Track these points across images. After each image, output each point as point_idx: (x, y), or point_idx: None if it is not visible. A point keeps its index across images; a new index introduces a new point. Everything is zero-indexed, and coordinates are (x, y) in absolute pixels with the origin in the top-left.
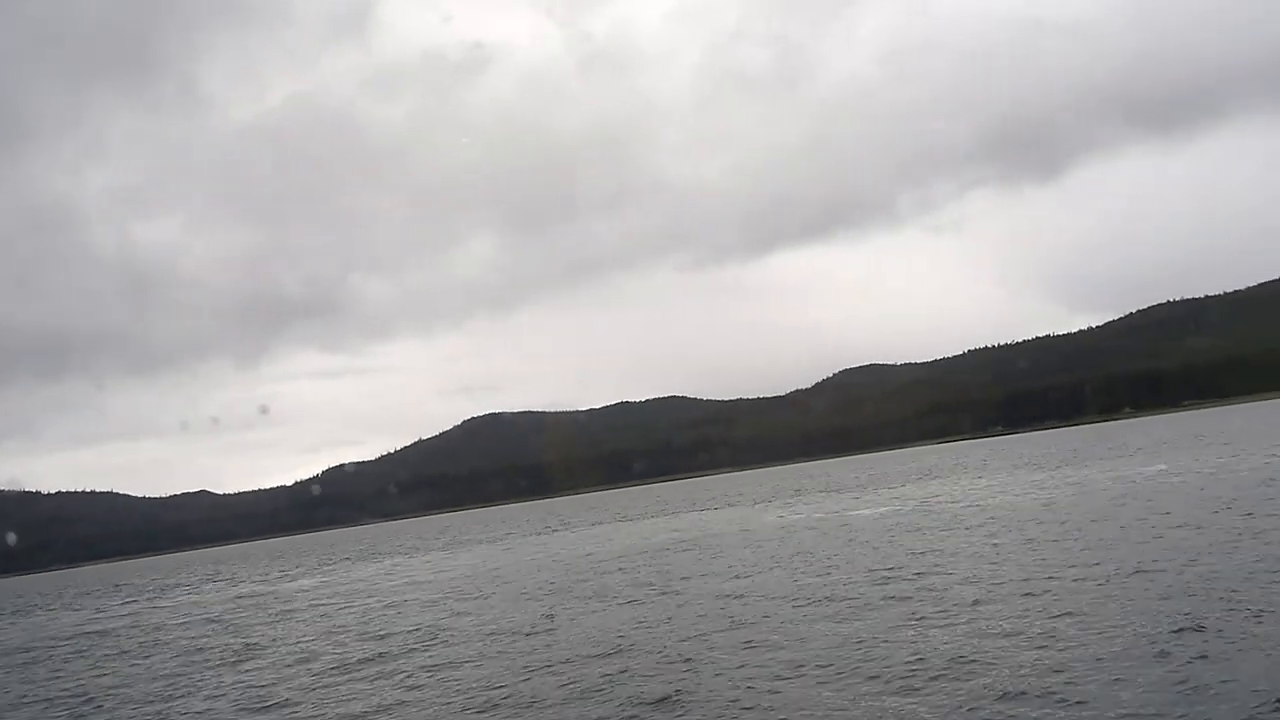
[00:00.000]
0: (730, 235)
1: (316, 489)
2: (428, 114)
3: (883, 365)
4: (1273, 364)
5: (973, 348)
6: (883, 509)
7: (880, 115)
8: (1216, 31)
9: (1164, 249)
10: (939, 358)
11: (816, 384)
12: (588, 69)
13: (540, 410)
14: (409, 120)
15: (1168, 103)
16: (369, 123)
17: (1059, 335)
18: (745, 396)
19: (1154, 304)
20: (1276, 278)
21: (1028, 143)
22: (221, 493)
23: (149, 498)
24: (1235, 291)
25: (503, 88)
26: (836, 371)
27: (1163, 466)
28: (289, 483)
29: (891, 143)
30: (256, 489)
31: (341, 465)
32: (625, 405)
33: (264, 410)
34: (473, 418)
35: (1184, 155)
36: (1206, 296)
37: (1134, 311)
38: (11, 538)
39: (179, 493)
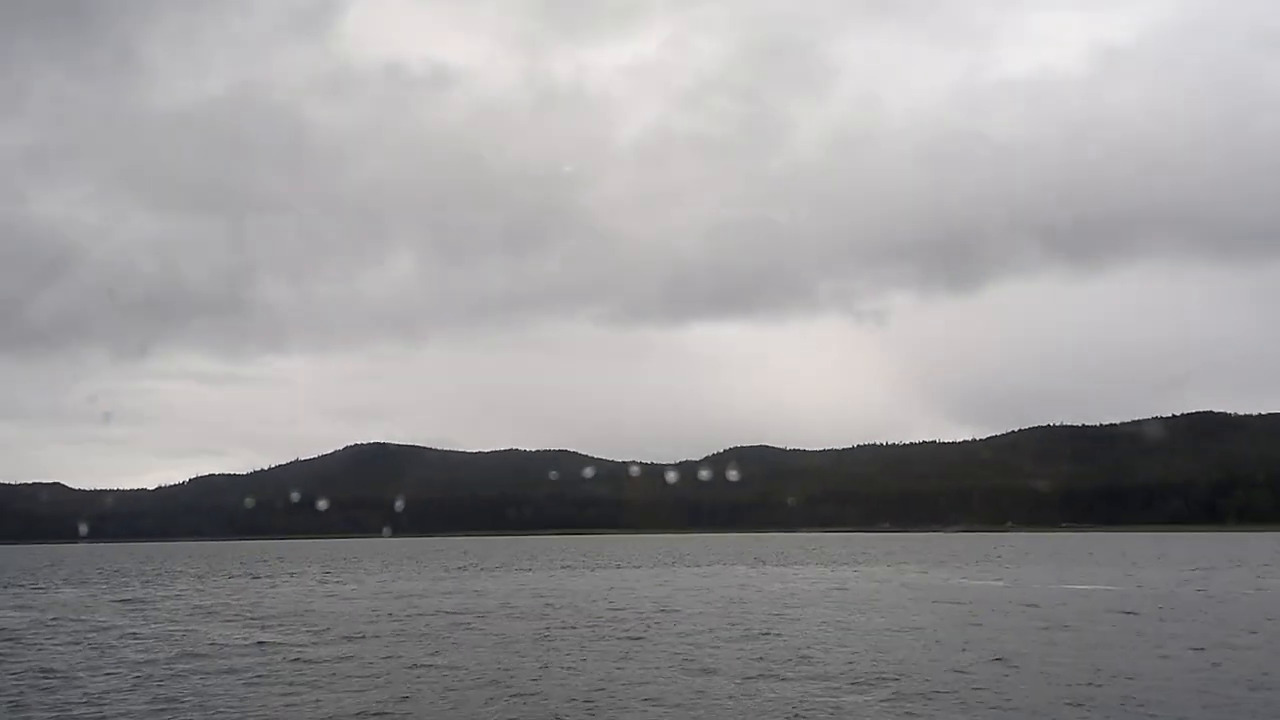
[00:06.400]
0: (652, 296)
1: (184, 495)
2: (375, 125)
3: (772, 448)
4: (1144, 498)
5: (861, 443)
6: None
7: (818, 200)
8: (1136, 169)
9: (1054, 375)
10: (828, 448)
11: (706, 457)
12: (542, 107)
13: (427, 446)
14: (355, 128)
15: (1084, 233)
16: (312, 124)
17: (944, 443)
18: (637, 460)
19: (1034, 426)
20: (1150, 417)
21: (952, 252)
22: (76, 487)
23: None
24: (1112, 425)
25: (455, 112)
26: (727, 448)
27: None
28: (151, 486)
29: (824, 229)
30: (115, 488)
31: (210, 475)
32: (516, 452)
33: (107, 416)
34: (356, 444)
35: (1090, 287)
36: (1084, 426)
37: (1015, 430)
38: None
39: (30, 481)
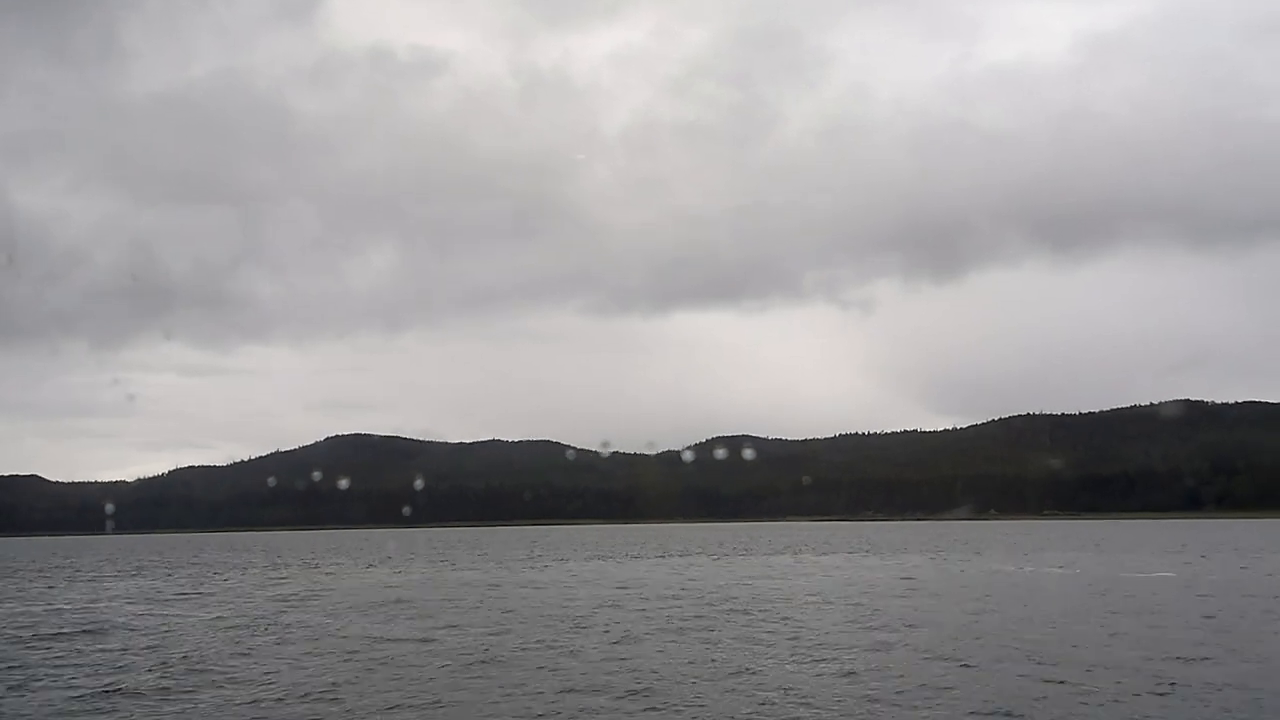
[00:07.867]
0: (637, 286)
1: (163, 488)
2: (360, 113)
3: (756, 437)
4: (1125, 486)
5: (844, 432)
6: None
7: (805, 189)
8: (1121, 159)
9: (1037, 364)
10: (811, 437)
11: (689, 446)
12: (528, 96)
13: (410, 437)
14: (339, 116)
15: (1068, 222)
16: (296, 112)
17: (927, 431)
18: (621, 450)
19: (1015, 414)
20: (1131, 405)
21: (937, 241)
22: (55, 480)
23: None
24: (1093, 413)
25: (440, 100)
26: (710, 437)
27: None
28: (130, 479)
29: (811, 218)
30: (93, 480)
31: (190, 466)
32: (498, 443)
33: (131, 398)
34: (337, 435)
35: (1073, 276)
36: (1065, 414)
37: (996, 419)
38: None
39: (8, 474)
